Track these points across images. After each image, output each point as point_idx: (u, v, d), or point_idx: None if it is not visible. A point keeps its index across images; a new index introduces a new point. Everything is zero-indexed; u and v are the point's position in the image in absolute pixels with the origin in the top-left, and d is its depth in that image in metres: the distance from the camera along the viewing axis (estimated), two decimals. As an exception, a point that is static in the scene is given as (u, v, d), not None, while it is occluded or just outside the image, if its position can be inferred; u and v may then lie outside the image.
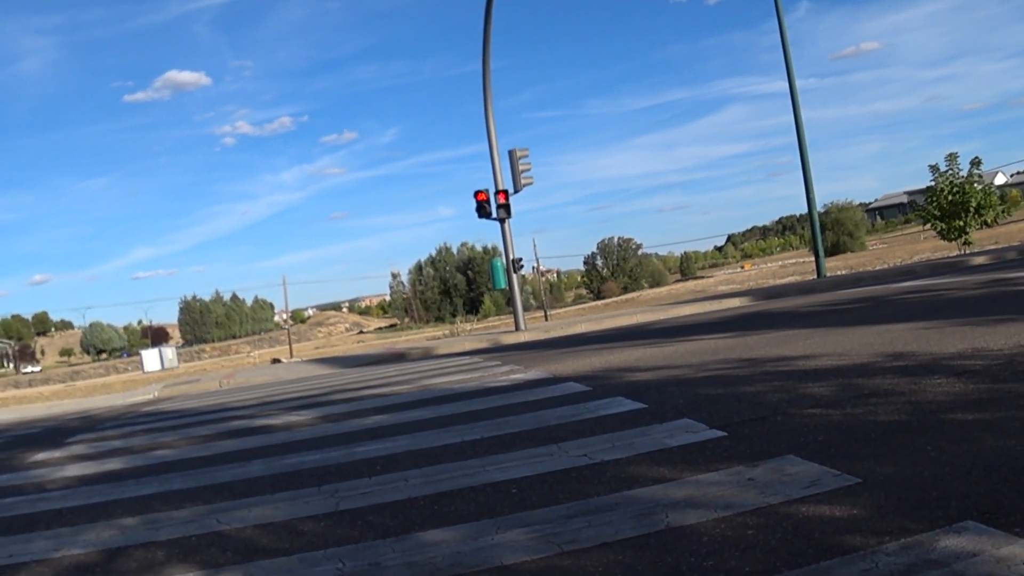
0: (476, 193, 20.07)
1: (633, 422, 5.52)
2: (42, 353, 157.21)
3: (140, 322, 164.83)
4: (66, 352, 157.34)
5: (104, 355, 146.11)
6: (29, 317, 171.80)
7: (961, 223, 25.12)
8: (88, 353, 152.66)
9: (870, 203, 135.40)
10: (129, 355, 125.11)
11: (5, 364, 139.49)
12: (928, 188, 26.06)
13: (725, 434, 4.78)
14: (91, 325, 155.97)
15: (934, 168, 25.63)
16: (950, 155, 25.27)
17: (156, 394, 16.49)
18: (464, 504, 4.08)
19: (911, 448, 3.91)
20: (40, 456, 8.23)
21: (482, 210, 20.06)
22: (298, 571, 3.41)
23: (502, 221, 20.20)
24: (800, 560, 2.78)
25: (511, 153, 20.28)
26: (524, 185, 20.21)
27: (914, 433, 4.17)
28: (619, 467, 4.37)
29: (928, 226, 28.32)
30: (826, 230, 64.74)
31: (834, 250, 73.16)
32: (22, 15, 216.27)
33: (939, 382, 5.36)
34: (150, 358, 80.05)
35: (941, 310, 9.95)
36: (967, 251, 26.02)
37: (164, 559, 3.86)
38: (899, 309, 11.00)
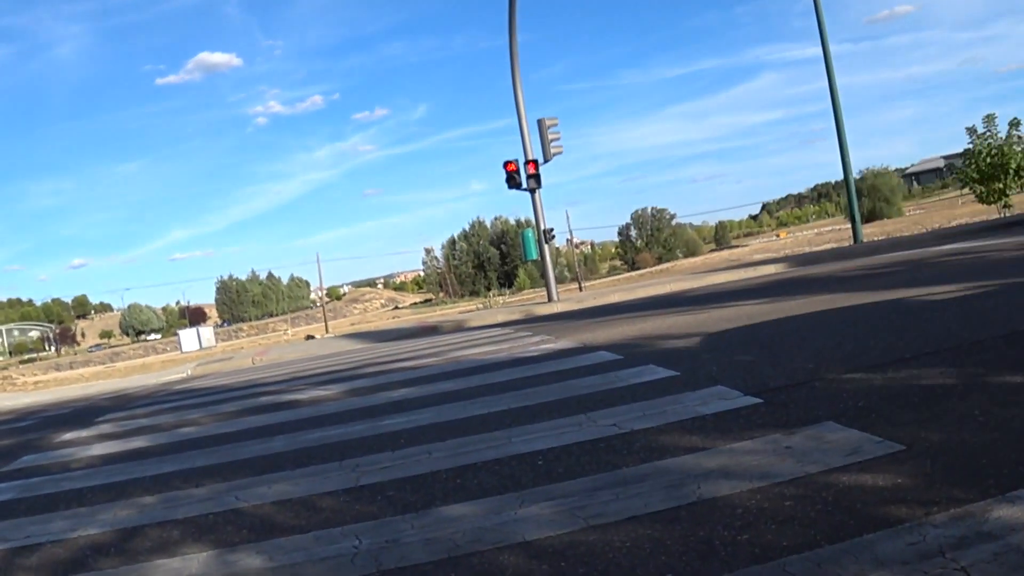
0: (506, 164, 19.88)
1: (665, 390, 5.34)
2: (82, 335, 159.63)
3: (178, 303, 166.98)
4: (106, 334, 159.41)
5: (143, 336, 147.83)
6: (69, 301, 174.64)
7: (1001, 185, 24.45)
8: (127, 335, 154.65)
9: (907, 168, 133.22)
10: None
11: (47, 347, 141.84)
12: (965, 151, 25.40)
13: (761, 401, 4.59)
14: (130, 307, 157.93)
15: (971, 130, 24.96)
16: (987, 116, 24.55)
17: (190, 372, 16.52)
18: (488, 477, 3.94)
19: (957, 413, 3.70)
20: (68, 436, 8.20)
21: (512, 180, 19.87)
22: (313, 549, 3.28)
23: (532, 191, 19.98)
24: (842, 533, 2.59)
25: (540, 123, 20.02)
26: (554, 154, 19.96)
27: (959, 397, 3.96)
28: (649, 436, 4.20)
29: (966, 190, 27.63)
30: (862, 196, 63.68)
31: (871, 216, 72.07)
32: (55, 2, 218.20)
33: (984, 344, 5.13)
34: (188, 338, 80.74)
35: (981, 273, 9.63)
36: (1007, 214, 25.39)
37: (179, 538, 3.76)
38: (938, 272, 10.69)
